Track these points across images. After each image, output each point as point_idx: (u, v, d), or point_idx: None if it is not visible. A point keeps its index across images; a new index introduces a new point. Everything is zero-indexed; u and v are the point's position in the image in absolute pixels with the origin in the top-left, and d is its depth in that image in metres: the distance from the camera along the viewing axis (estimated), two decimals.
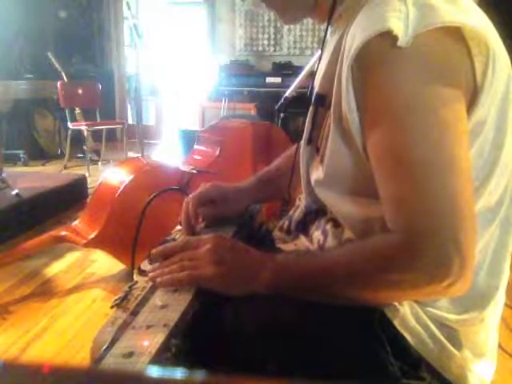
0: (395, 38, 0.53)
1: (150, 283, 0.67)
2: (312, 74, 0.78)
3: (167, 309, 0.60)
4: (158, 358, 0.50)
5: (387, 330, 0.61)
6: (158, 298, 0.63)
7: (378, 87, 0.56)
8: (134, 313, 0.60)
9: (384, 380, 0.60)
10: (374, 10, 0.56)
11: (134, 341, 0.53)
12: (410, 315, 0.61)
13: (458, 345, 0.63)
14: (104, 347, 0.52)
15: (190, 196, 0.88)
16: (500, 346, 0.72)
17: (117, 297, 0.64)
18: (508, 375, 1.40)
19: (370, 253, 0.58)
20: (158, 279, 0.65)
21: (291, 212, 0.84)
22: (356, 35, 0.56)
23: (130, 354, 0.50)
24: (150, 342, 0.52)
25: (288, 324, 0.62)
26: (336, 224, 0.71)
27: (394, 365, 0.61)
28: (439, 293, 0.57)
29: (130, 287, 0.67)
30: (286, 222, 0.83)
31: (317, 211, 0.77)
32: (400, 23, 0.53)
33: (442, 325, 0.62)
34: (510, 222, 0.64)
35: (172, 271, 0.65)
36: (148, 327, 0.56)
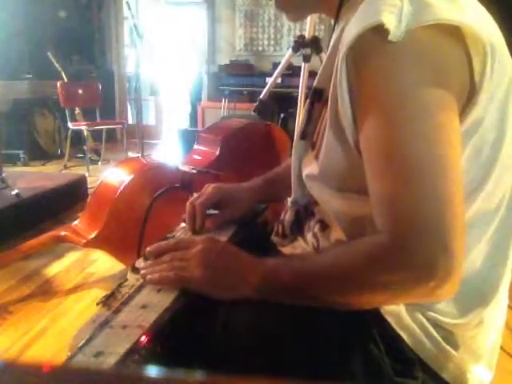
0: (387, 32, 0.52)
1: (139, 282, 0.67)
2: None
3: (146, 309, 0.59)
4: (125, 360, 0.49)
5: (382, 328, 0.61)
6: (140, 298, 0.63)
7: (369, 80, 0.56)
8: (116, 311, 0.60)
9: (377, 379, 0.60)
10: (371, 4, 0.56)
11: (107, 340, 0.53)
12: (406, 314, 0.61)
13: (454, 346, 0.62)
14: (79, 345, 0.52)
15: (199, 201, 0.87)
16: (500, 346, 0.71)
17: (104, 294, 0.64)
18: (508, 375, 1.40)
19: (356, 254, 0.57)
20: (148, 276, 0.66)
21: (282, 216, 0.83)
22: (351, 29, 0.56)
23: (99, 354, 0.50)
24: (121, 342, 0.52)
25: (278, 324, 0.62)
26: (323, 226, 0.71)
27: (387, 364, 0.60)
28: (425, 295, 0.55)
29: (119, 285, 0.67)
30: (280, 226, 0.83)
31: (305, 208, 0.76)
32: (393, 17, 0.53)
33: (437, 325, 0.62)
34: (509, 226, 0.63)
35: (162, 270, 0.65)
36: (124, 327, 0.56)
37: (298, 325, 0.62)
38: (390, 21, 0.52)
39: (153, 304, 0.60)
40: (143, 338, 0.53)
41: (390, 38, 0.52)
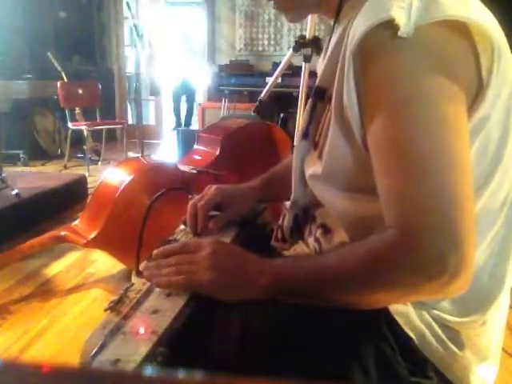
0: (397, 28, 0.52)
1: (146, 286, 0.66)
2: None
3: (158, 314, 0.59)
4: (143, 367, 0.49)
5: (393, 329, 0.61)
6: (150, 303, 0.62)
7: (378, 76, 0.56)
8: (126, 317, 0.59)
9: (392, 379, 0.60)
10: (378, 0, 0.56)
11: (122, 347, 0.52)
12: (414, 314, 0.61)
13: (460, 346, 0.62)
14: (93, 352, 0.52)
15: (201, 203, 0.87)
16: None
17: (112, 299, 0.64)
18: (508, 375, 1.40)
19: (363, 253, 0.56)
20: (155, 280, 0.65)
21: (280, 221, 0.83)
22: (359, 25, 0.56)
23: (116, 362, 0.50)
24: (137, 349, 0.51)
25: (292, 324, 0.61)
26: (326, 230, 0.70)
27: (401, 364, 0.60)
28: (438, 291, 0.54)
29: (126, 290, 0.66)
30: (279, 232, 0.82)
31: (304, 212, 0.76)
32: (402, 13, 0.53)
33: (444, 325, 0.62)
34: None
35: (169, 273, 0.64)
36: (137, 333, 0.55)
37: (309, 325, 0.61)
38: (399, 16, 0.52)
39: (164, 309, 0.59)
40: (159, 344, 0.53)
41: (399, 33, 0.52)
